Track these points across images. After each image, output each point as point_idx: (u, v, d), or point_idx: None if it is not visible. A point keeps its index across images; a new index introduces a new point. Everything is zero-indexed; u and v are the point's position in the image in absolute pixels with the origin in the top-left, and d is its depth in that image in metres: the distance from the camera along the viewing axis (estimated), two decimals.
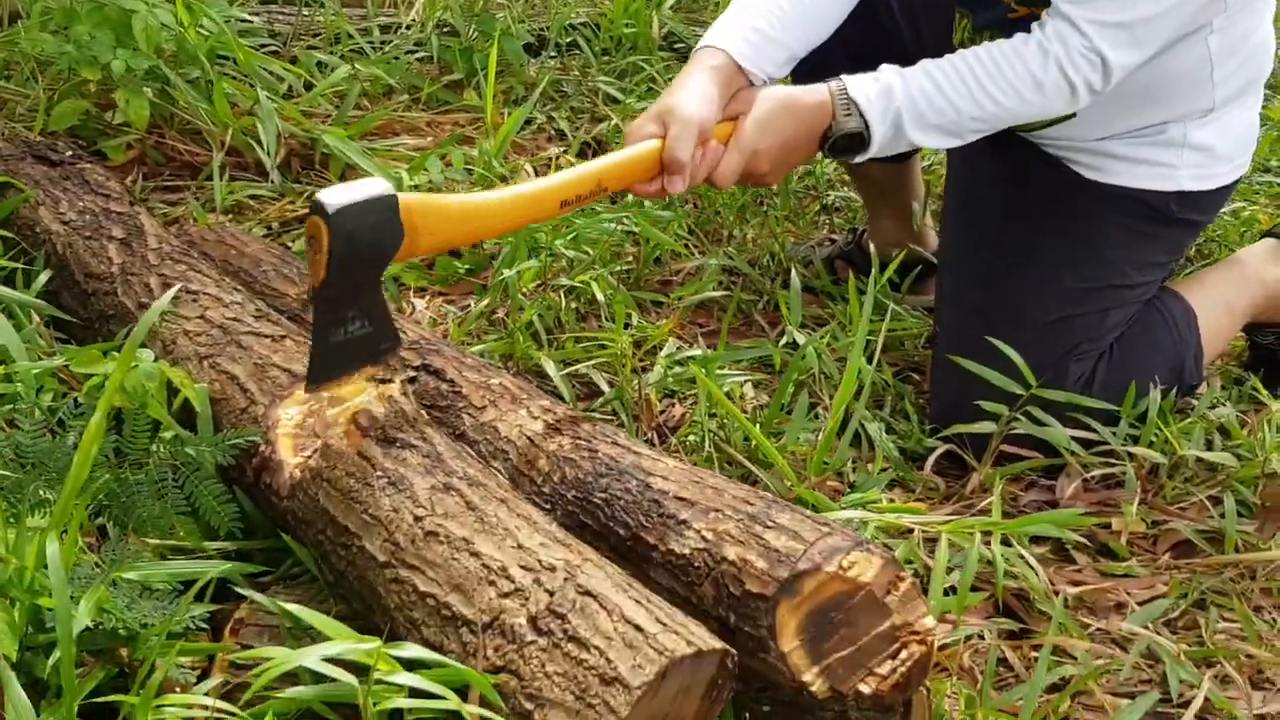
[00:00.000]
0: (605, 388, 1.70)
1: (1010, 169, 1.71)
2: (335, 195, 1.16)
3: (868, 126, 1.46)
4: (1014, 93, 1.48)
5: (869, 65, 1.52)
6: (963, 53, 1.50)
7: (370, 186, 1.19)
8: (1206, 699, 1.24)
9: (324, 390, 1.24)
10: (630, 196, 2.15)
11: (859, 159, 1.51)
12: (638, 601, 1.00)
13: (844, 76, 1.48)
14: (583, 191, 1.34)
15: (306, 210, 1.43)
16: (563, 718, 0.94)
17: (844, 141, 1.48)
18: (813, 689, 1.04)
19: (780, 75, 1.55)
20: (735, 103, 1.46)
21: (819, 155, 1.52)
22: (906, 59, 1.52)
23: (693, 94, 1.41)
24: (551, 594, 1.01)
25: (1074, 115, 1.61)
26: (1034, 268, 1.67)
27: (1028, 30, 1.50)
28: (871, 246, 1.94)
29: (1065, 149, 1.67)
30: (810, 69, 1.57)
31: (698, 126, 1.38)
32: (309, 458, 1.23)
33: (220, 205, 2.07)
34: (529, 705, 0.96)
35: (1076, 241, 1.67)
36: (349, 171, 2.19)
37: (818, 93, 1.46)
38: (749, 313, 2.00)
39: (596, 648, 0.96)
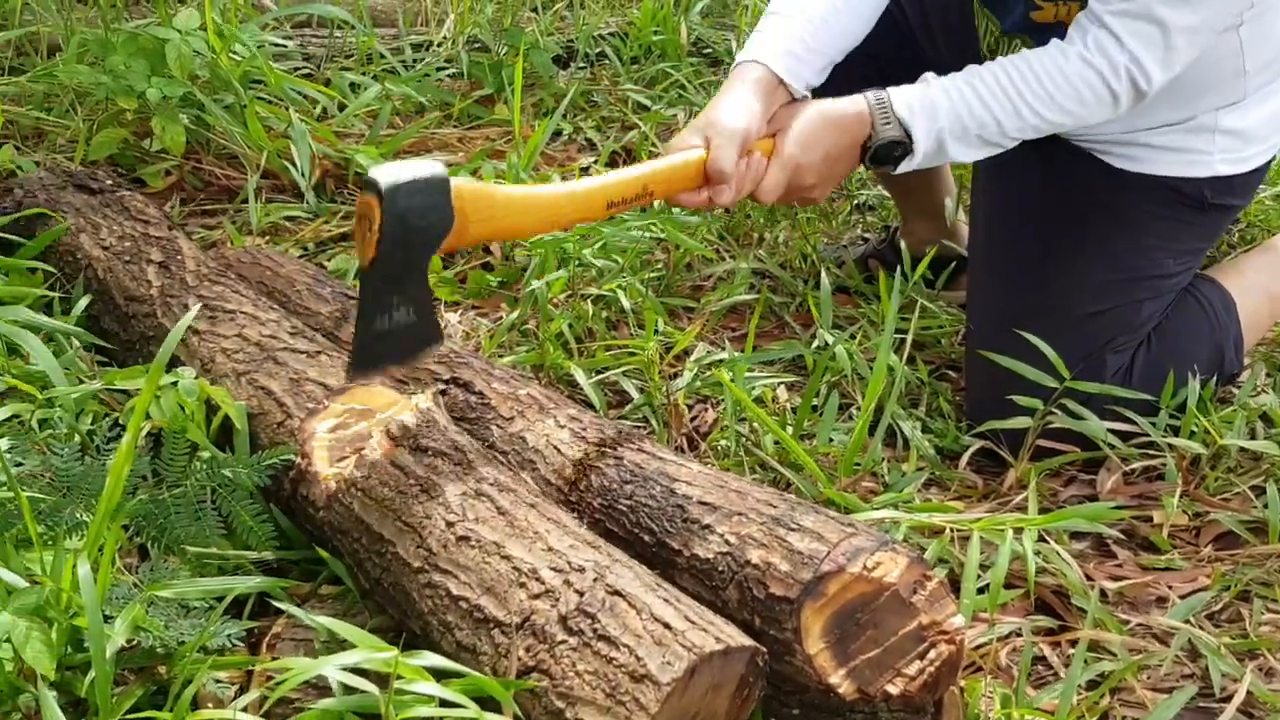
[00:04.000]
0: (636, 395, 1.71)
1: (1040, 161, 1.69)
2: (389, 173, 1.15)
3: (910, 136, 1.46)
4: (1056, 106, 1.48)
5: (887, 68, 1.51)
6: (1003, 63, 1.49)
7: (423, 167, 1.18)
8: (1249, 692, 1.21)
9: (366, 380, 1.24)
10: (660, 203, 2.16)
11: (901, 169, 1.50)
12: (666, 600, 1.01)
13: (889, 89, 1.48)
14: (628, 194, 1.34)
15: (355, 206, 1.39)
16: (594, 715, 0.96)
17: (885, 151, 1.47)
18: (840, 691, 1.03)
19: (818, 82, 1.55)
20: (775, 120, 1.46)
21: (861, 167, 1.52)
22: (922, 61, 1.51)
23: (734, 106, 1.42)
24: (581, 594, 1.02)
25: None
26: (1067, 261, 1.65)
27: (1056, 35, 1.49)
28: (904, 244, 1.93)
29: (1093, 143, 1.65)
30: (831, 75, 1.57)
31: (740, 136, 1.39)
32: (344, 468, 1.25)
33: (257, 227, 2.11)
34: (560, 704, 0.98)
35: (1110, 232, 1.65)
36: None
37: (855, 103, 1.47)
38: (781, 315, 2.00)
39: (626, 646, 0.97)
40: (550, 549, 1.07)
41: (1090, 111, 1.49)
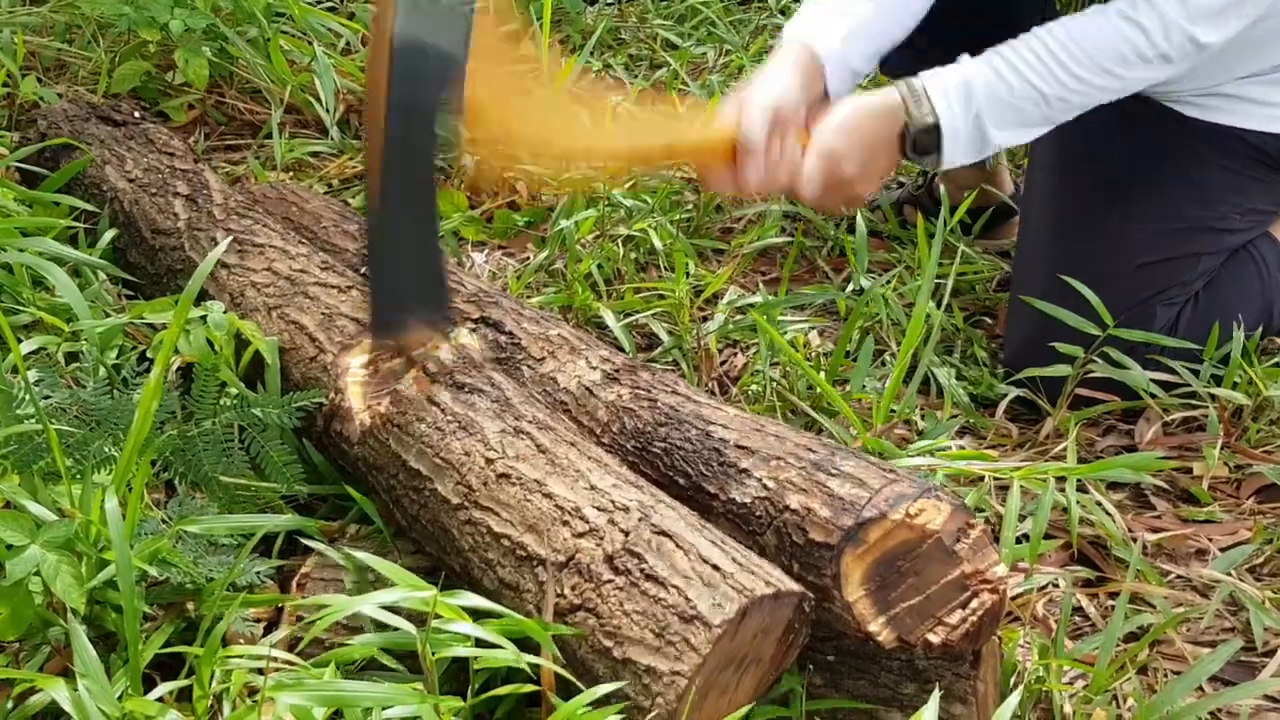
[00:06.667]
0: (665, 338, 1.68)
1: (1107, 108, 1.63)
2: None
3: (948, 116, 1.42)
4: (1098, 68, 1.42)
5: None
6: (1037, 32, 1.44)
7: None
8: None
9: (393, 339, 1.23)
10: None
11: (945, 163, 1.44)
12: (713, 542, 0.99)
13: (922, 74, 1.43)
14: (653, 156, 1.32)
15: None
16: (642, 655, 0.94)
17: (924, 139, 1.42)
18: (879, 639, 1.01)
19: (866, 70, 1.51)
20: (811, 117, 1.41)
21: (902, 160, 1.47)
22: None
23: (767, 80, 1.37)
24: (627, 533, 1.00)
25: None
26: (1128, 209, 1.60)
27: None
28: (942, 189, 1.89)
29: (1166, 95, 1.59)
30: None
31: (771, 108, 1.33)
32: (379, 404, 1.23)
33: (281, 163, 2.07)
34: (608, 643, 0.96)
35: (1175, 183, 1.59)
36: None
37: (887, 91, 1.43)
38: (813, 259, 1.96)
39: (675, 586, 0.95)
40: (593, 487, 1.05)
41: (1137, 73, 1.43)
